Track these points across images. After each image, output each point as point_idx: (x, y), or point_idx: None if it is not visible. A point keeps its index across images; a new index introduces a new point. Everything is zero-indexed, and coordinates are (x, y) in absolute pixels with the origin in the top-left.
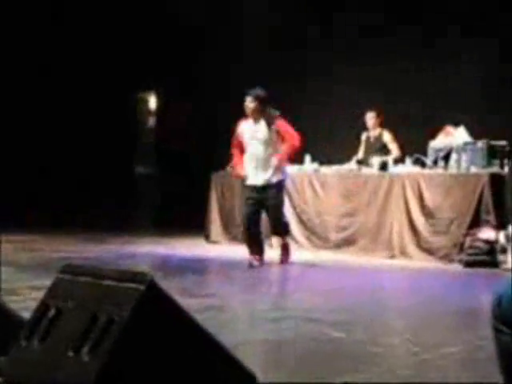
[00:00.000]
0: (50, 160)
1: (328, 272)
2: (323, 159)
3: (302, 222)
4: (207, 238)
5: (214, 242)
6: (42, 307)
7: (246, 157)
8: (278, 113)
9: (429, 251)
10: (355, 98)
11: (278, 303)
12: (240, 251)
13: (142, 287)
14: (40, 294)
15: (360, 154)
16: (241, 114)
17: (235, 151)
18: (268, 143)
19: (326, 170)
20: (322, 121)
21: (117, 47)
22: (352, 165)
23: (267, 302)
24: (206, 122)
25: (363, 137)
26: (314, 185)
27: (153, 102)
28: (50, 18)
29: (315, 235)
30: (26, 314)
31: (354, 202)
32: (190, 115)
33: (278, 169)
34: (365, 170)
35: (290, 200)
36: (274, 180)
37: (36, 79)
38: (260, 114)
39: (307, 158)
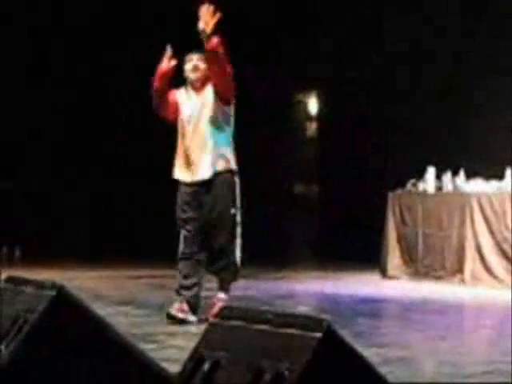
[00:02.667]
0: None
1: None
2: None
3: (503, 253)
4: (383, 272)
5: (392, 278)
6: (195, 359)
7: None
8: None
9: None
10: None
11: (477, 354)
12: (424, 289)
13: (317, 335)
14: (179, 341)
15: None
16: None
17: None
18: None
19: None
20: None
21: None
22: None
23: (464, 352)
24: (382, 127)
25: None
26: None
27: (313, 105)
28: None
29: None
30: (167, 366)
31: None
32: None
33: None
34: None
35: (488, 225)
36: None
37: None
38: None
39: (508, 171)
